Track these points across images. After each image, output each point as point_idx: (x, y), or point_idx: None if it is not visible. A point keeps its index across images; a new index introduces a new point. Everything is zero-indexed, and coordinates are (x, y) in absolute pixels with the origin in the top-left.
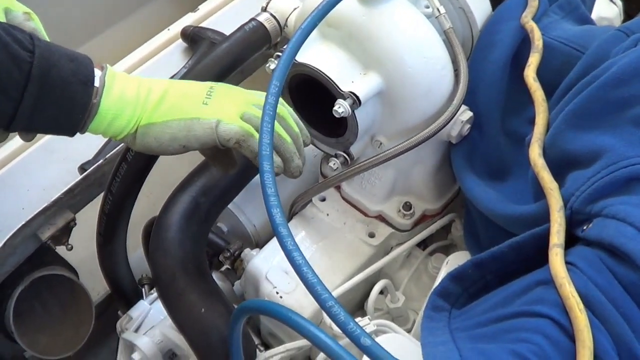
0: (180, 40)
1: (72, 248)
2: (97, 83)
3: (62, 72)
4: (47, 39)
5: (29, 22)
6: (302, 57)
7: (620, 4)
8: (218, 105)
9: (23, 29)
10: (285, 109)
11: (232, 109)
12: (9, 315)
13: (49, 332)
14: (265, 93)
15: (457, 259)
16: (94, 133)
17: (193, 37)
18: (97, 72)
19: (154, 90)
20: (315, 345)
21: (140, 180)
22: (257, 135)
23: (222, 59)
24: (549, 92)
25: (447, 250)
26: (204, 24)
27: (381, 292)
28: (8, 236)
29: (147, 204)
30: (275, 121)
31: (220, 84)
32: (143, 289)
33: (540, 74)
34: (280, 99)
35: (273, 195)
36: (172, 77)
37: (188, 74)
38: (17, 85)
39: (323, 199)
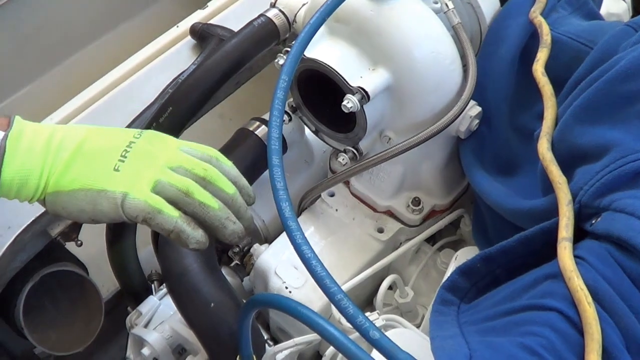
0: (189, 37)
1: (81, 244)
2: None
3: None
4: None
5: None
6: (310, 52)
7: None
8: (130, 172)
9: None
10: (212, 169)
11: (144, 176)
12: (18, 312)
13: (59, 328)
14: (197, 148)
15: (466, 254)
16: (9, 199)
17: (202, 34)
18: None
19: (65, 148)
20: (324, 338)
21: None
22: (167, 210)
23: (231, 54)
24: (557, 87)
25: (455, 245)
26: (213, 21)
27: (390, 288)
28: (18, 232)
29: None
30: (197, 185)
31: (147, 133)
32: (152, 285)
33: (549, 69)
34: (213, 151)
35: (282, 189)
36: (181, 74)
37: (197, 70)
38: None
39: (332, 195)
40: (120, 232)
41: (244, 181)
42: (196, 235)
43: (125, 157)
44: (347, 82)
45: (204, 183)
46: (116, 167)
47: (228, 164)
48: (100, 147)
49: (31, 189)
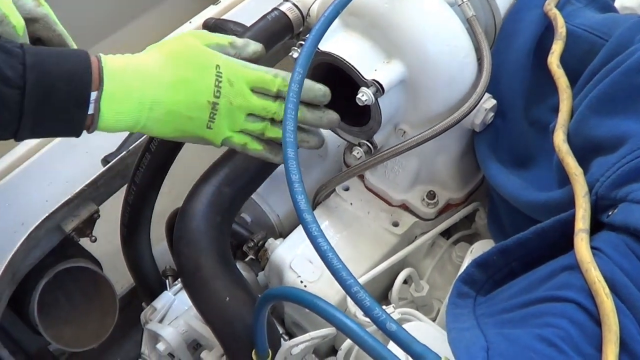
0: None
1: (95, 240)
2: (91, 110)
3: (57, 97)
4: (58, 26)
5: (39, 8)
6: (325, 46)
7: None
8: (221, 127)
9: (14, 45)
10: (278, 109)
11: (234, 125)
12: (33, 308)
13: (74, 324)
14: (281, 77)
15: (482, 248)
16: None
17: (215, 30)
18: (93, 95)
19: (156, 108)
20: (340, 330)
21: (164, 170)
22: (251, 145)
23: None
24: (572, 80)
25: (471, 239)
26: (225, 17)
27: (405, 282)
28: (32, 228)
29: (168, 200)
30: (269, 125)
31: (224, 88)
32: (167, 281)
33: (564, 61)
34: (279, 82)
35: (297, 181)
36: None
37: None
38: (15, 108)
39: (347, 189)
40: (134, 228)
41: (309, 84)
42: (277, 158)
43: (214, 120)
44: (361, 75)
45: (276, 117)
46: (209, 126)
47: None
48: (189, 106)
49: (127, 128)
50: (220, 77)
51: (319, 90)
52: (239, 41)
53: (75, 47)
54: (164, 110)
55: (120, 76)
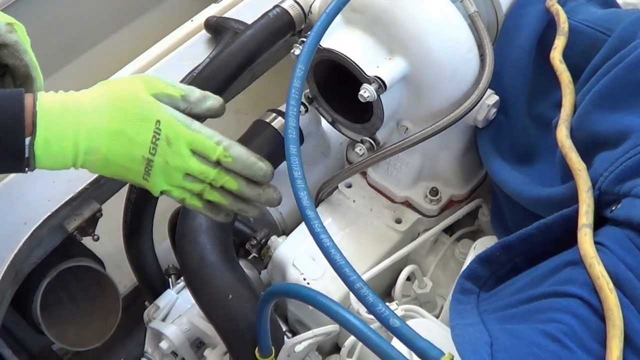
0: (203, 31)
1: (98, 239)
2: (26, 154)
3: None
4: (27, 55)
5: (11, 35)
6: (327, 42)
7: None
8: (157, 181)
9: None
10: (216, 175)
11: (172, 181)
12: (36, 308)
13: (77, 323)
14: (205, 149)
15: (485, 244)
16: None
17: (217, 28)
18: (27, 141)
19: (92, 153)
20: (343, 326)
21: None
22: (189, 201)
23: (246, 46)
24: (575, 75)
25: (474, 236)
26: (227, 15)
27: (408, 279)
28: (34, 227)
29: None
30: (208, 188)
31: (161, 148)
32: (170, 279)
33: (567, 57)
34: (219, 150)
35: (300, 178)
36: (196, 68)
37: (212, 62)
38: None
39: (349, 186)
40: (137, 226)
41: (250, 161)
42: (219, 218)
43: (149, 174)
44: (363, 71)
45: (214, 183)
46: (145, 178)
47: (234, 153)
48: (124, 160)
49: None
50: (159, 134)
51: (259, 169)
52: (194, 95)
53: (41, 77)
54: (100, 157)
55: (55, 121)
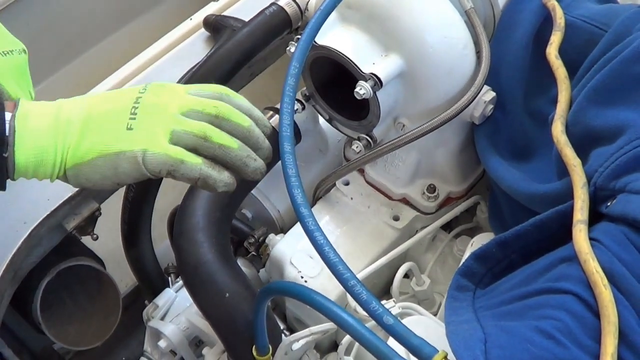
0: (202, 30)
1: (97, 238)
2: (7, 131)
3: None
4: None
5: None
6: (322, 39)
7: None
8: (143, 128)
9: None
10: (223, 106)
11: (159, 128)
12: (36, 307)
13: (77, 323)
14: (204, 87)
15: (482, 241)
16: (28, 178)
17: (215, 26)
18: (7, 115)
19: (74, 120)
20: (336, 324)
21: None
22: (189, 159)
23: (243, 43)
24: (571, 70)
25: (472, 232)
26: (226, 13)
27: (407, 276)
28: (33, 226)
29: (171, 197)
30: (213, 127)
31: (152, 86)
32: (169, 278)
33: (563, 52)
34: (221, 88)
35: (294, 176)
36: (195, 66)
37: (209, 60)
38: None
39: (347, 183)
40: (135, 225)
41: (257, 112)
42: (223, 178)
43: (135, 114)
44: (359, 68)
45: (219, 121)
46: (129, 126)
47: (238, 97)
48: (108, 110)
49: (48, 167)
50: (145, 89)
51: (260, 118)
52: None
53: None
54: (81, 121)
55: (36, 105)
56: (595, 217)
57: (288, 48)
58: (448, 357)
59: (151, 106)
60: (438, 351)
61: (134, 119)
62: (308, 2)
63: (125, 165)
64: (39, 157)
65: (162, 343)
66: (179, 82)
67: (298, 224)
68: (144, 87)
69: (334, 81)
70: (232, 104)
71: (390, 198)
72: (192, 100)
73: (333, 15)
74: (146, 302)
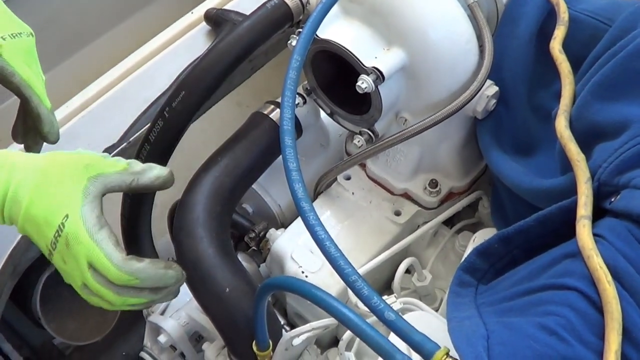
0: (203, 23)
1: None
2: None
3: None
4: (21, 72)
5: None
6: (324, 33)
7: None
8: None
9: None
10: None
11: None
12: (35, 302)
13: (77, 317)
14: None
15: (484, 236)
16: None
17: (216, 20)
18: None
19: (15, 213)
20: (337, 319)
21: (163, 160)
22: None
23: (244, 37)
24: (575, 65)
25: (474, 228)
26: (227, 7)
27: (408, 271)
28: None
29: (172, 192)
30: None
31: (59, 247)
32: None
33: (567, 47)
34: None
35: (295, 170)
36: (195, 60)
37: (209, 53)
38: None
39: (348, 178)
40: (134, 219)
41: (159, 274)
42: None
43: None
44: (361, 62)
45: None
46: (49, 255)
47: (141, 275)
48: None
49: None
50: (62, 230)
51: (170, 278)
52: (137, 166)
53: (37, 93)
54: (21, 215)
55: None
56: (598, 212)
57: (289, 41)
58: (450, 354)
59: (59, 266)
60: (440, 347)
61: (52, 254)
62: None
63: None
64: None
65: (162, 338)
66: (180, 76)
67: (299, 218)
68: (55, 242)
69: (335, 75)
70: (139, 277)
71: (391, 193)
72: (90, 282)
73: (335, 8)
74: None
